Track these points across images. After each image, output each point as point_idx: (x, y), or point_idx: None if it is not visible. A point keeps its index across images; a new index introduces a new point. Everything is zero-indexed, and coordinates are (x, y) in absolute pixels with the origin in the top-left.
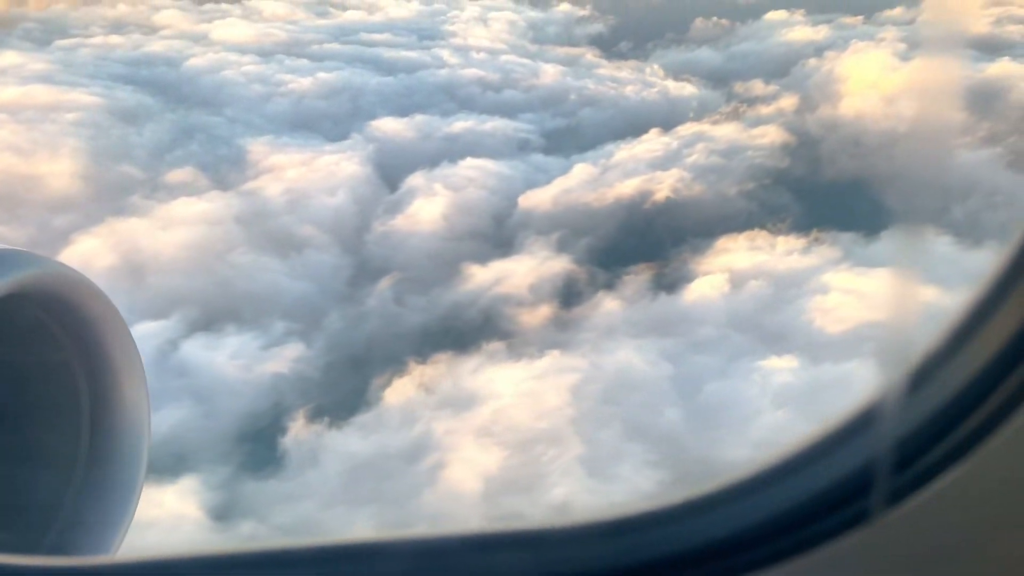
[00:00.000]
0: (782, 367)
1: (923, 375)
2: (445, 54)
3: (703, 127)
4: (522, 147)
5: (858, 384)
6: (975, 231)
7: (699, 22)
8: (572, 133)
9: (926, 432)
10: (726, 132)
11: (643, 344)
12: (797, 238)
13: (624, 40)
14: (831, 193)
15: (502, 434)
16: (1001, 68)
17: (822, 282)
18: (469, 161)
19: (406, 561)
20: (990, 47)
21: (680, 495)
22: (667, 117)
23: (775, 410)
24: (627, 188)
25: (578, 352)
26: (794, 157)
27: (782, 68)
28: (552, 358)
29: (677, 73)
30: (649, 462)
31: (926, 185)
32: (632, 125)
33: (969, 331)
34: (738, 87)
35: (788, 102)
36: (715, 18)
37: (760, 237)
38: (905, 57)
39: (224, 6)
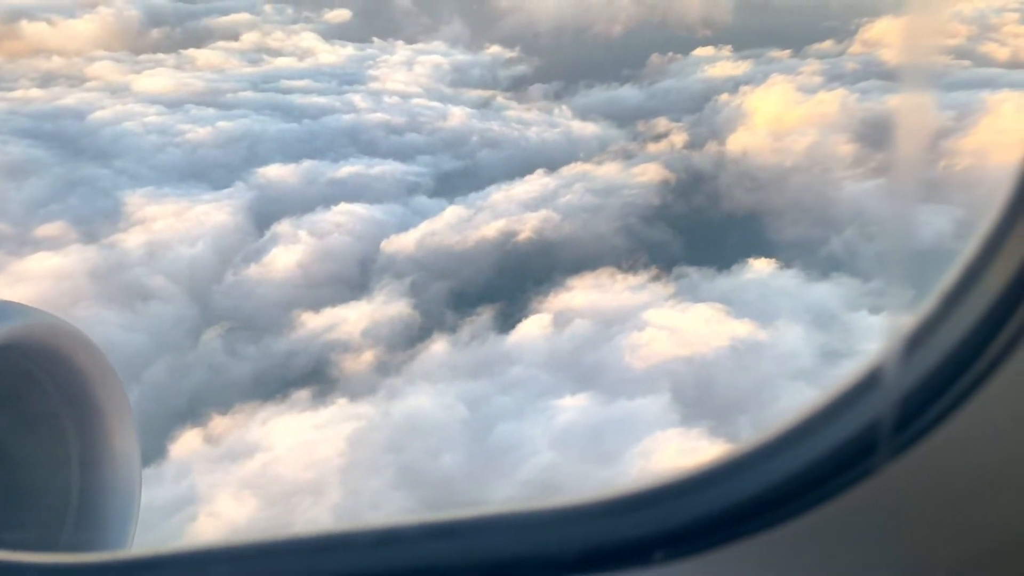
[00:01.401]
0: (572, 406)
1: (920, 336)
2: (357, 99)
3: (587, 167)
4: (412, 190)
5: (643, 420)
6: (832, 264)
7: (655, 58)
8: (466, 175)
9: (924, 388)
10: (608, 171)
11: (450, 387)
12: (639, 275)
13: (550, 81)
14: (699, 229)
15: (264, 486)
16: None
17: (643, 319)
18: (342, 206)
19: (420, 544)
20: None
21: (689, 469)
22: (563, 157)
23: (549, 451)
24: (491, 230)
25: (373, 398)
26: (674, 194)
27: (697, 104)
28: (339, 406)
29: (594, 113)
30: (405, 509)
31: (807, 217)
32: (527, 166)
33: (962, 291)
34: (641, 125)
35: (680, 138)
36: (671, 53)
37: (607, 275)
38: (817, 90)
39: (160, 56)
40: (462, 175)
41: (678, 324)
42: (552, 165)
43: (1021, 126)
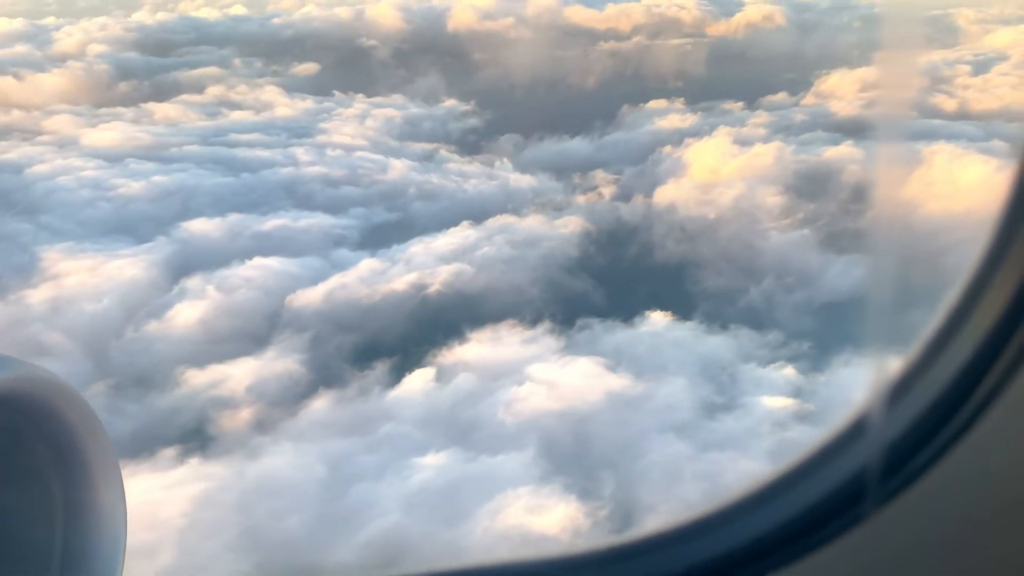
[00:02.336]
0: (433, 464)
1: (904, 384)
2: (300, 152)
3: (511, 219)
4: (337, 243)
5: (501, 477)
6: (739, 315)
7: (626, 108)
8: (397, 227)
9: (910, 436)
10: (531, 223)
11: (316, 446)
12: (539, 328)
13: (502, 134)
14: (614, 280)
15: None
16: (840, 151)
17: (526, 373)
18: (256, 260)
19: None
20: (853, 129)
21: (682, 517)
22: (495, 209)
23: (397, 512)
24: (402, 283)
25: (231, 458)
26: (595, 245)
27: (641, 156)
28: (191, 466)
29: (539, 165)
30: (235, 572)
31: (727, 268)
32: (458, 218)
33: (943, 341)
34: (577, 178)
35: (610, 190)
36: (626, 106)
37: (508, 328)
38: (761, 141)
39: (120, 110)
40: (392, 227)
41: (558, 379)
42: (482, 217)
43: (951, 178)
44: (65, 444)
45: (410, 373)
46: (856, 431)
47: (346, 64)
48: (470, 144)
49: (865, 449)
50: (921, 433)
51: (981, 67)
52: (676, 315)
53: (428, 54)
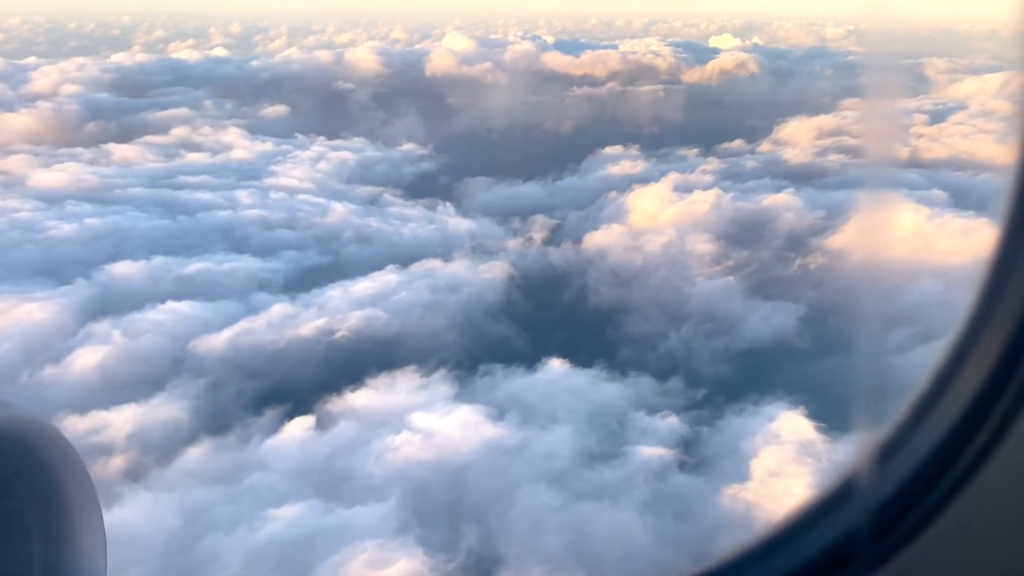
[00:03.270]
0: (287, 516)
1: (894, 444)
2: (243, 195)
3: (437, 264)
4: (262, 286)
5: (353, 529)
6: (649, 362)
7: (585, 154)
8: (325, 271)
9: (901, 497)
10: (456, 268)
11: (176, 496)
12: (438, 374)
13: (458, 177)
14: (529, 326)
15: None
16: (778, 199)
17: (406, 422)
18: (169, 304)
19: None
20: (800, 176)
21: None
22: (427, 253)
23: (239, 567)
24: (309, 328)
25: None
26: (519, 290)
27: (588, 201)
28: None
29: (485, 209)
30: None
31: (647, 314)
32: (388, 261)
33: (932, 400)
34: (516, 222)
35: (541, 236)
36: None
37: (407, 374)
38: (709, 187)
39: (78, 150)
40: (322, 271)
41: (437, 427)
42: (412, 261)
43: (885, 226)
44: (45, 486)
45: (290, 421)
46: (846, 492)
47: (319, 106)
48: (420, 188)
49: (855, 510)
50: (912, 494)
51: (939, 116)
52: (582, 361)
53: (403, 97)
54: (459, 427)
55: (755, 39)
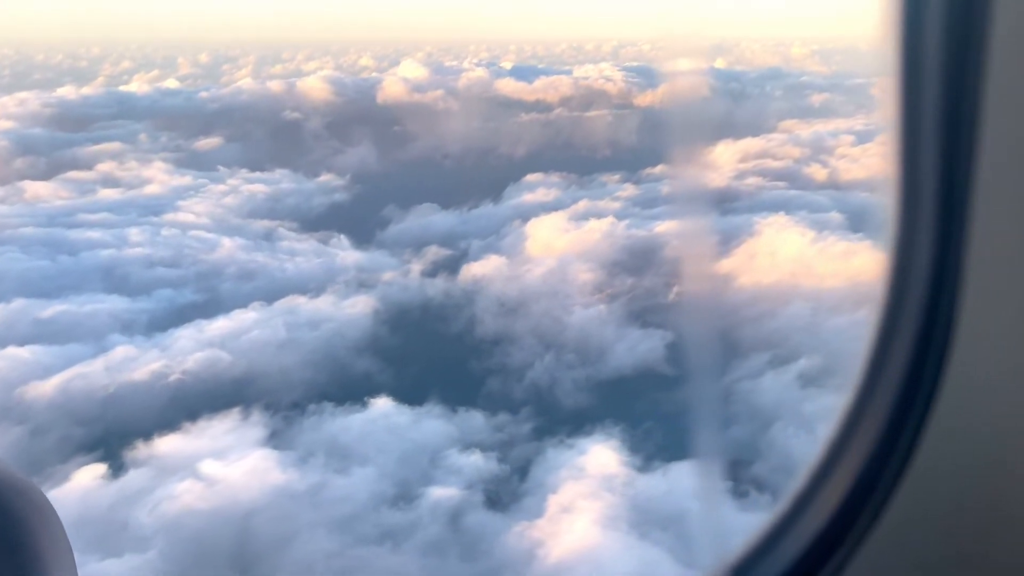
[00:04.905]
0: None
1: (767, 543)
2: (134, 232)
3: (301, 300)
4: (125, 327)
5: None
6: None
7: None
8: (197, 309)
9: None
10: (321, 304)
11: None
12: (252, 417)
13: (368, 208)
14: (385, 361)
15: None
16: (671, 226)
17: (197, 468)
18: (9, 350)
19: None
20: (713, 200)
21: None
22: (301, 288)
23: None
24: (145, 371)
25: None
26: (387, 325)
27: (494, 230)
28: None
29: (390, 240)
30: None
31: (515, 345)
32: (266, 297)
33: (784, 527)
34: (407, 254)
35: (420, 267)
36: (522, 178)
37: (224, 418)
38: (620, 216)
39: None
40: (193, 309)
41: (225, 474)
42: (285, 296)
43: (772, 251)
44: (18, 541)
45: (81, 469)
46: None
47: (261, 137)
48: (326, 220)
49: None
50: None
51: (866, 137)
52: (416, 398)
53: (349, 126)
54: (248, 473)
55: (718, 61)
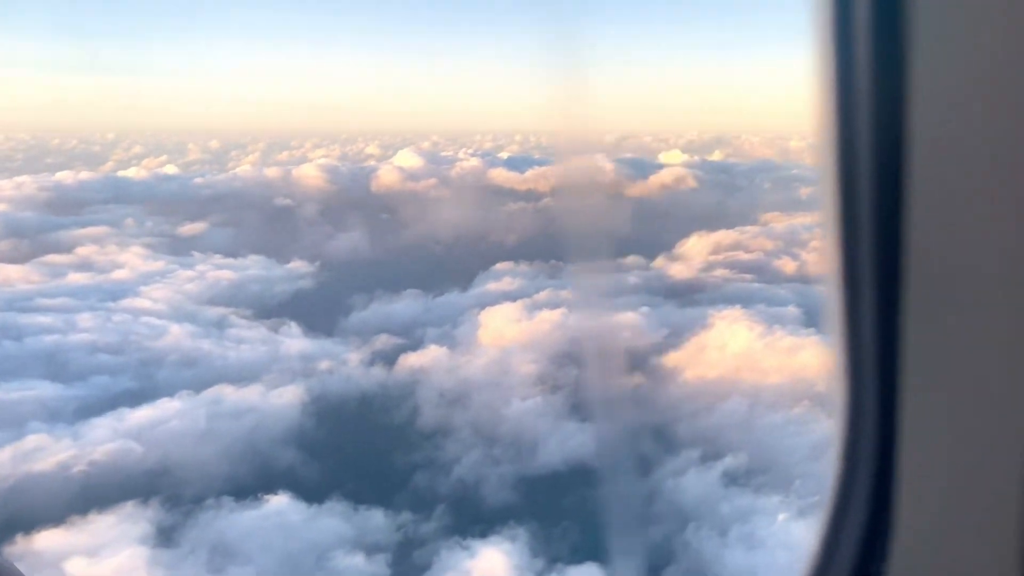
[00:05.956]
0: None
1: None
2: (85, 318)
3: (229, 389)
4: (51, 415)
5: None
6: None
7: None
8: (131, 396)
9: None
10: (248, 394)
11: None
12: (146, 510)
13: (333, 296)
14: (304, 454)
15: None
16: (625, 318)
17: (63, 568)
18: None
19: None
20: (677, 292)
21: None
22: (246, 376)
23: None
24: (51, 463)
25: None
26: (315, 417)
27: (452, 319)
28: None
29: (346, 329)
30: None
31: (450, 438)
32: (199, 385)
33: None
34: (355, 341)
35: (356, 357)
36: (491, 266)
37: (117, 512)
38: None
39: None
40: (124, 397)
41: (92, 573)
42: (224, 383)
43: (721, 344)
44: None
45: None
46: None
47: (250, 223)
48: (286, 306)
49: None
50: None
51: None
52: (319, 495)
53: (339, 213)
54: (114, 573)
55: (714, 154)
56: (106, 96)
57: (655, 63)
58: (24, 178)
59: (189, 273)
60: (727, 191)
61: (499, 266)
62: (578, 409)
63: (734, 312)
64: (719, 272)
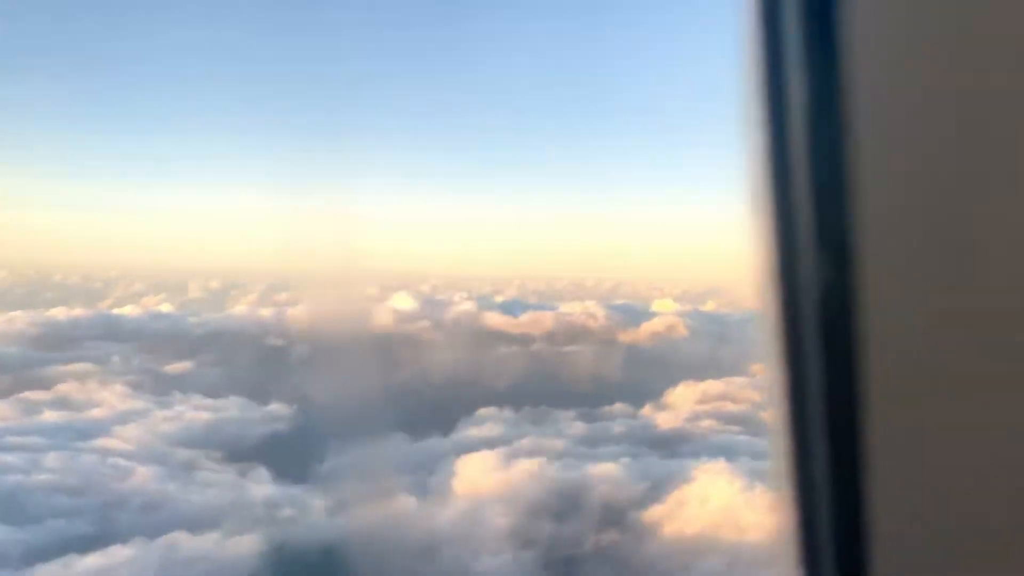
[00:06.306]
0: None
1: None
2: (52, 457)
3: (183, 537)
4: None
5: None
6: None
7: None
8: (85, 541)
9: None
10: (203, 542)
11: None
12: None
13: (312, 439)
14: None
15: None
16: (605, 469)
17: None
18: None
19: None
20: (662, 443)
21: None
22: (207, 522)
23: None
24: None
25: None
26: (272, 568)
27: (429, 466)
28: None
29: (320, 474)
30: None
31: None
32: (154, 531)
33: None
34: (327, 487)
35: (322, 505)
36: (475, 411)
37: None
38: (560, 455)
39: None
40: (77, 542)
41: None
42: (185, 529)
43: (705, 499)
44: None
45: None
46: None
47: (236, 363)
48: (259, 450)
49: None
50: None
51: None
52: None
53: (332, 354)
54: None
55: (708, 303)
56: (111, 233)
57: (656, 212)
58: (17, 313)
59: (167, 413)
60: (718, 340)
61: (482, 411)
62: (551, 567)
63: (717, 465)
64: (705, 423)
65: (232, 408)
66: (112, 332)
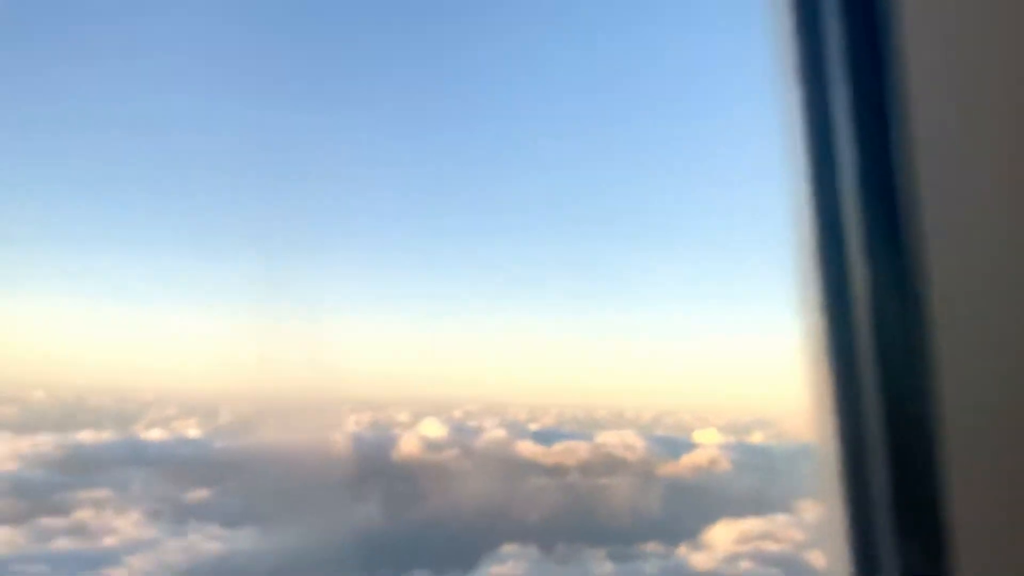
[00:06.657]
0: None
1: None
2: None
3: None
4: None
5: None
6: None
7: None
8: None
9: None
10: None
11: None
12: None
13: (303, 570)
14: None
15: None
16: None
17: None
18: None
19: None
20: None
21: None
22: None
23: None
24: None
25: None
26: None
27: None
28: None
29: None
30: None
31: None
32: None
33: None
34: None
35: None
36: (498, 547)
37: None
38: None
39: None
40: None
41: None
42: None
43: None
44: None
45: None
46: None
47: (259, 492)
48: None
49: None
50: None
51: None
52: None
53: (357, 483)
54: None
55: (754, 435)
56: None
57: (702, 341)
58: (45, 436)
59: (180, 543)
60: (762, 475)
61: (506, 548)
62: None
63: None
64: (743, 565)
65: (246, 539)
66: (137, 457)
